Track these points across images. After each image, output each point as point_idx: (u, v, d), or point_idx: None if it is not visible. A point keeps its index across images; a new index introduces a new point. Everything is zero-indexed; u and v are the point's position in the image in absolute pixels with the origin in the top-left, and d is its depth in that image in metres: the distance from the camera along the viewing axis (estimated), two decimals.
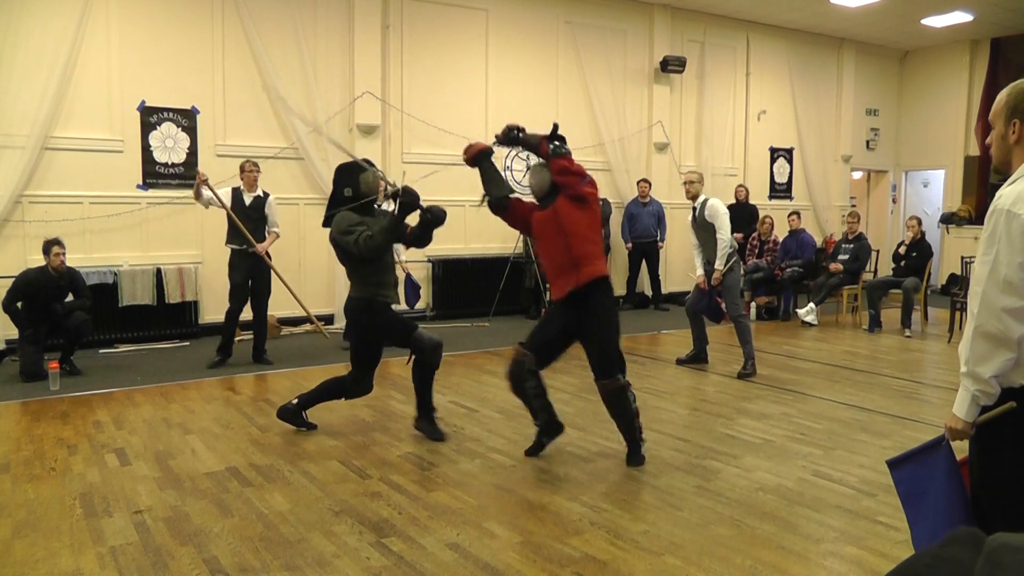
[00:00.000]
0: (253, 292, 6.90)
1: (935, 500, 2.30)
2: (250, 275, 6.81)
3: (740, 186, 11.32)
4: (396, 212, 4.50)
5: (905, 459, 2.42)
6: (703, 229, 6.65)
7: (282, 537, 3.37)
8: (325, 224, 4.79)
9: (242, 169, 6.91)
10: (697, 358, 7.07)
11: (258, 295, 6.93)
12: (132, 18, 7.72)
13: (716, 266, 6.54)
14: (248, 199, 6.87)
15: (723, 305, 6.69)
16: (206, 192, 6.67)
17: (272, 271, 6.98)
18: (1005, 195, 2.07)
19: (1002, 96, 2.19)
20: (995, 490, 2.15)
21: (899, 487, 2.44)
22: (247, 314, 7.00)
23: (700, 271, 6.78)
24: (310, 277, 8.74)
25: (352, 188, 4.75)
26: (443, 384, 6.12)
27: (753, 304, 9.97)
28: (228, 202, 6.75)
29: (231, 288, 6.83)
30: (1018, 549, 1.31)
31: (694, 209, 6.70)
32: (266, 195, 6.97)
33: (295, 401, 4.95)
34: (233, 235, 6.78)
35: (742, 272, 9.67)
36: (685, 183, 6.72)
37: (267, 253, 6.94)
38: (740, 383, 6.37)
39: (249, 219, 6.81)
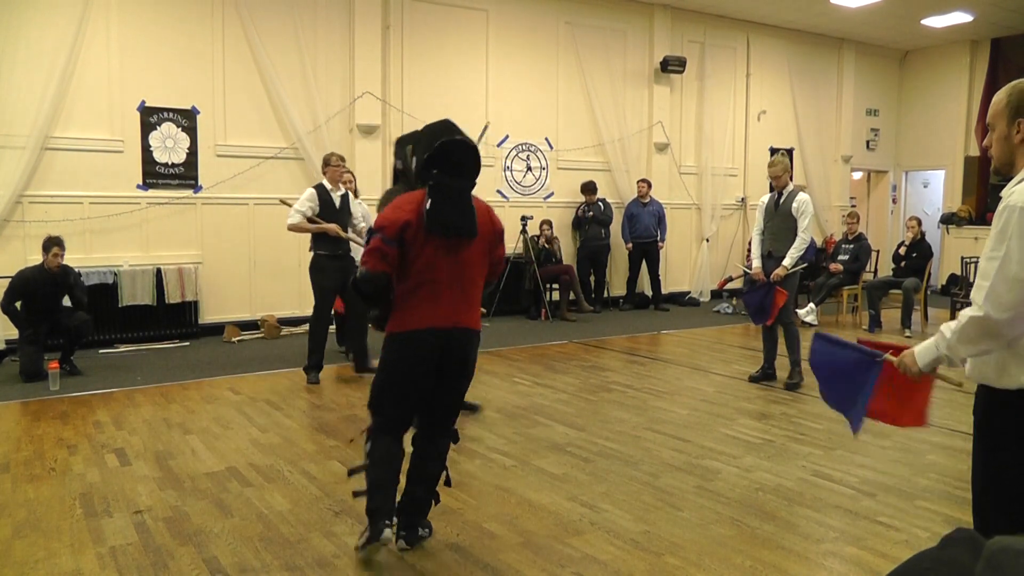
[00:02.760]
0: (345, 299, 6.34)
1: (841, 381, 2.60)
2: (343, 280, 6.06)
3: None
4: None
5: (834, 342, 2.65)
6: (780, 218, 6.15)
7: (282, 537, 3.37)
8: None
9: (326, 163, 6.26)
10: (767, 375, 6.41)
11: (354, 300, 6.19)
12: (132, 18, 7.72)
13: (784, 263, 6.00)
14: (336, 198, 6.24)
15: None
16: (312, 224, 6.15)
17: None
18: (1016, 193, 2.05)
19: (1002, 96, 2.17)
20: (999, 489, 2.14)
21: (814, 356, 2.71)
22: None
23: (757, 262, 6.24)
24: None
25: (401, 160, 4.73)
26: None
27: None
28: (316, 204, 6.12)
29: (321, 294, 6.20)
30: (1019, 553, 1.31)
31: (778, 193, 6.19)
32: (347, 193, 6.41)
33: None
34: (323, 240, 6.17)
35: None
36: (771, 178, 6.22)
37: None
38: (740, 383, 6.36)
39: (340, 221, 6.22)
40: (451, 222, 3.07)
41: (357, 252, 6.19)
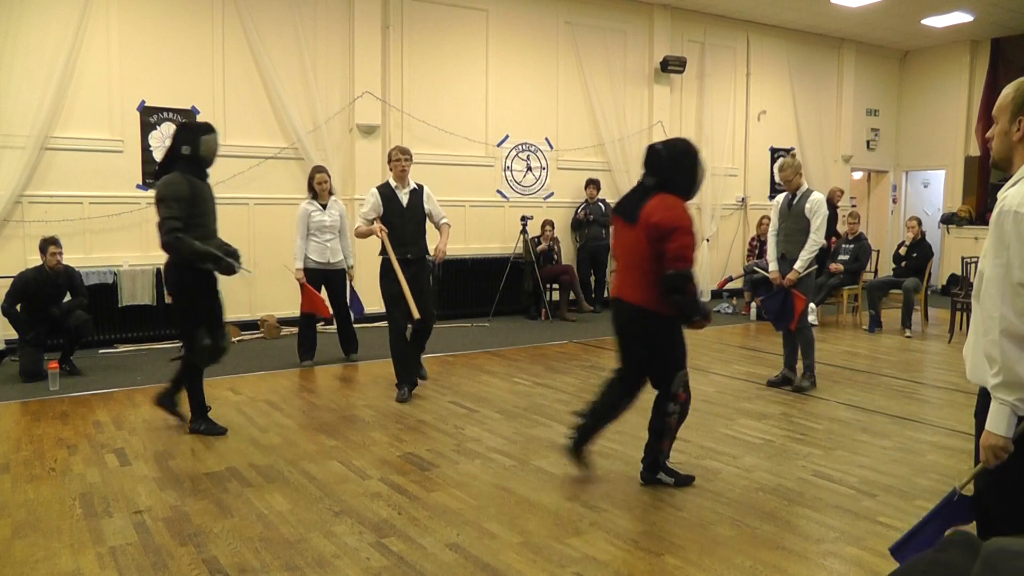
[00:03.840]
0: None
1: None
2: (416, 288, 5.64)
3: (836, 188, 11.57)
4: (211, 253, 4.64)
5: (908, 539, 2.30)
6: (793, 219, 6.03)
7: (282, 537, 3.37)
8: (157, 178, 4.74)
9: (389, 159, 5.86)
10: (787, 379, 6.23)
11: (423, 305, 5.68)
12: (132, 18, 7.72)
13: (796, 266, 5.88)
14: (404, 197, 5.75)
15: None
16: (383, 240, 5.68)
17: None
18: (1011, 196, 2.04)
19: (1008, 91, 2.16)
20: (1001, 491, 2.13)
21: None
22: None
23: (774, 265, 6.12)
24: None
25: (191, 148, 4.70)
26: (443, 384, 6.13)
27: (753, 304, 9.97)
28: (379, 201, 5.70)
29: (389, 303, 5.72)
30: (1016, 555, 1.31)
31: (792, 194, 6.07)
32: (420, 187, 5.86)
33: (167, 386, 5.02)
34: (390, 243, 5.66)
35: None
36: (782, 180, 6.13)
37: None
38: (740, 383, 6.36)
39: (410, 220, 5.74)
40: (617, 207, 4.02)
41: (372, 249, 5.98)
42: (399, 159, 5.71)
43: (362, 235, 5.79)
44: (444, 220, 5.91)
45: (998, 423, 2.02)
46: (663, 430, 4.01)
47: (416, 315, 5.50)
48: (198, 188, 4.68)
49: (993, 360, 2.01)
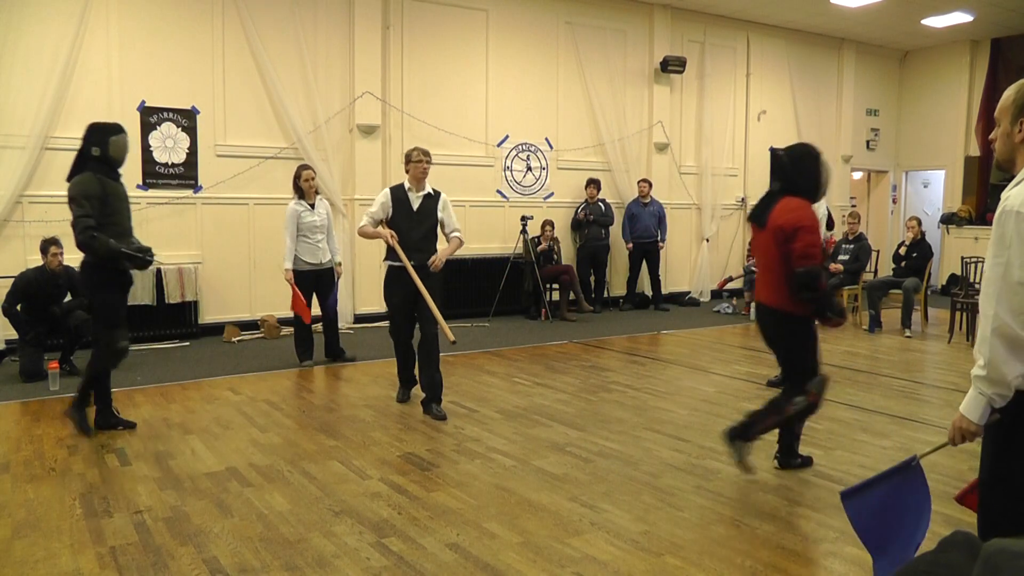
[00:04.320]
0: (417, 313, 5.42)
1: (896, 522, 2.33)
2: (416, 295, 5.28)
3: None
4: (125, 253, 4.75)
5: (861, 488, 2.47)
6: None
7: (282, 537, 3.37)
8: (69, 179, 4.75)
9: (408, 159, 5.43)
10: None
11: (422, 314, 5.36)
12: (132, 18, 7.72)
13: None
14: (416, 200, 5.41)
15: None
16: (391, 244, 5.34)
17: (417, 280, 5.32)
18: (1013, 196, 2.04)
19: (1010, 93, 2.17)
20: (1006, 490, 2.14)
21: (853, 518, 2.48)
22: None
23: None
24: None
25: (100, 148, 4.72)
26: (443, 384, 6.12)
27: (753, 304, 9.97)
28: (389, 203, 5.40)
29: (393, 312, 5.53)
30: (1016, 555, 1.31)
31: None
32: (437, 193, 5.51)
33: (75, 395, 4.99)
34: (394, 251, 5.34)
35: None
36: None
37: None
38: (740, 383, 6.36)
39: (419, 225, 5.39)
40: (750, 214, 4.15)
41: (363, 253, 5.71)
42: (420, 160, 5.37)
43: (367, 236, 5.52)
44: (456, 233, 5.52)
45: (973, 410, 2.11)
46: (778, 409, 3.99)
47: (452, 339, 5.14)
48: (110, 188, 4.74)
49: (981, 355, 2.07)
